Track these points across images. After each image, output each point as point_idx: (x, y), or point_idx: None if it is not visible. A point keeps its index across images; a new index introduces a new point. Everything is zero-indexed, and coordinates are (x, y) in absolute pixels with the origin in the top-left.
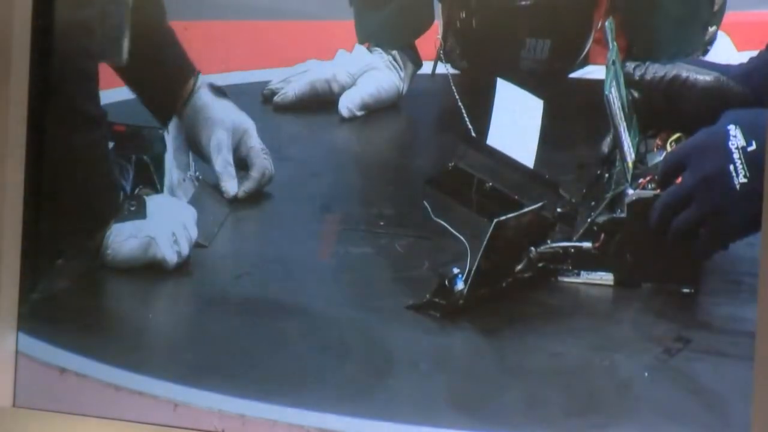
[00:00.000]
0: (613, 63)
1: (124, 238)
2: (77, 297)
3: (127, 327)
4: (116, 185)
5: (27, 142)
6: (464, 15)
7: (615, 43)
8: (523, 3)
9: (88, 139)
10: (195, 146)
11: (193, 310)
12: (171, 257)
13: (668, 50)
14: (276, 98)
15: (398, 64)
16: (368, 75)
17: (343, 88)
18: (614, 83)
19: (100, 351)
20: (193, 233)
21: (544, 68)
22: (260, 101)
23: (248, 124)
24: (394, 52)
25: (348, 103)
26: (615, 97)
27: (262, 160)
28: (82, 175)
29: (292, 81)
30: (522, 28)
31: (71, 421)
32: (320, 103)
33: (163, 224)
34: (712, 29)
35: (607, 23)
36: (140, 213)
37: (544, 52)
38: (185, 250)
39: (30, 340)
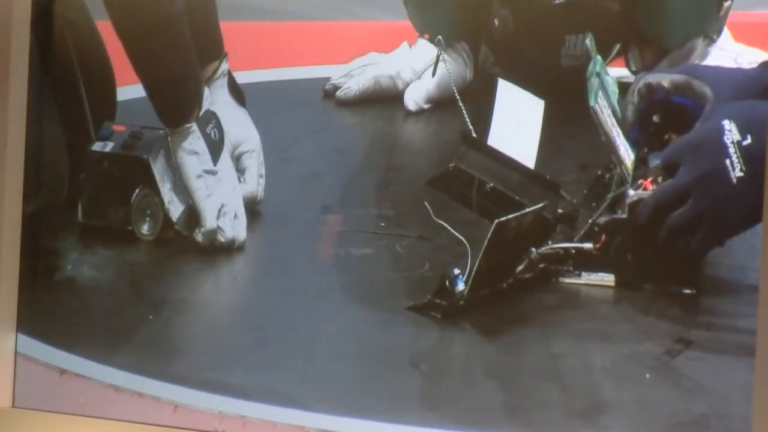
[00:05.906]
0: (597, 75)
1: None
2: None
3: (128, 328)
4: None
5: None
6: (497, 23)
7: (598, 56)
8: (558, 1)
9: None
10: None
11: (192, 311)
12: (211, 224)
13: (682, 30)
14: (339, 93)
15: (465, 53)
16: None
17: (407, 85)
18: (600, 93)
19: (100, 352)
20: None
21: (584, 62)
22: (321, 96)
23: (251, 144)
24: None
25: (414, 96)
26: (603, 105)
27: (254, 185)
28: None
29: (354, 76)
30: (561, 26)
31: (71, 422)
32: (384, 98)
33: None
34: (727, 4)
35: (587, 40)
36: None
37: (584, 46)
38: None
39: (29, 341)
